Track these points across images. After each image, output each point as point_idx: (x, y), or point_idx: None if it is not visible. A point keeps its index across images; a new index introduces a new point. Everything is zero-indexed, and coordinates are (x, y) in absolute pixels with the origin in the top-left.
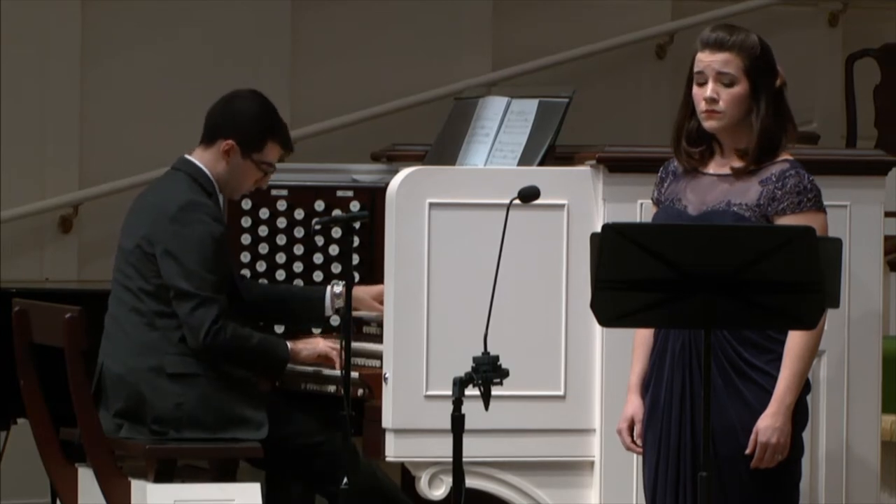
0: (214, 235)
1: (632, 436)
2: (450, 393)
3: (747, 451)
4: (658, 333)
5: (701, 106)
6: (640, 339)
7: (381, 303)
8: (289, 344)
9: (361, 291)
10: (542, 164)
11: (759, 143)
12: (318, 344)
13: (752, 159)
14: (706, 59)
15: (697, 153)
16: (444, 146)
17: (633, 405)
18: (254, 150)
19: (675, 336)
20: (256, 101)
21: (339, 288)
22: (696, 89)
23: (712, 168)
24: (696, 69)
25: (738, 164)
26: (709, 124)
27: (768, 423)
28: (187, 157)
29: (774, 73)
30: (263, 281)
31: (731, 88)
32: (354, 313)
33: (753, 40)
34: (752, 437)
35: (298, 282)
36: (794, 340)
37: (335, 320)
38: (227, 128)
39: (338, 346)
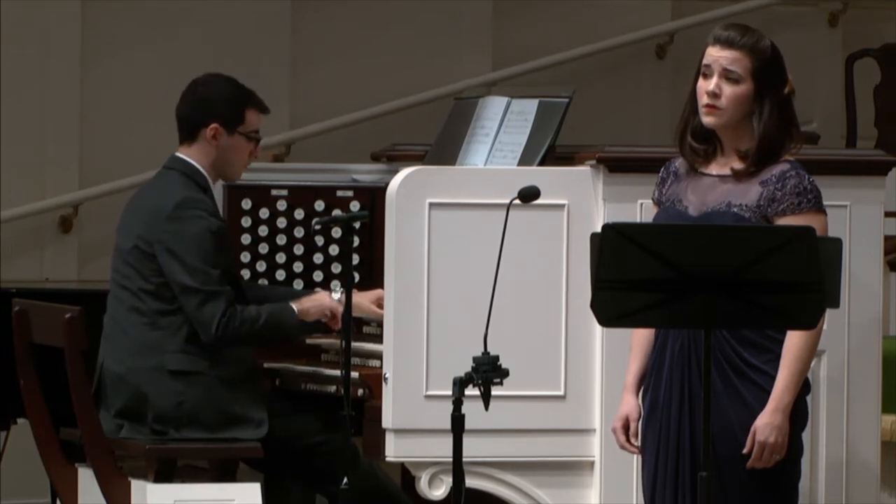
0: (212, 230)
1: (627, 435)
2: (450, 393)
3: (745, 451)
4: (658, 333)
5: (703, 100)
6: (637, 339)
7: (379, 306)
8: (295, 307)
9: (359, 296)
10: (542, 164)
11: (760, 148)
12: (324, 299)
13: (751, 162)
14: (715, 54)
15: (702, 150)
16: (444, 146)
17: (629, 404)
18: (237, 124)
19: (674, 336)
20: (218, 80)
21: (337, 295)
22: (700, 82)
23: (713, 168)
24: (704, 62)
25: (738, 165)
26: (707, 120)
27: (766, 422)
28: (178, 154)
29: (782, 80)
30: (263, 281)
31: (735, 87)
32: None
33: (765, 44)
34: (750, 436)
35: (298, 282)
36: (793, 340)
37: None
38: (206, 115)
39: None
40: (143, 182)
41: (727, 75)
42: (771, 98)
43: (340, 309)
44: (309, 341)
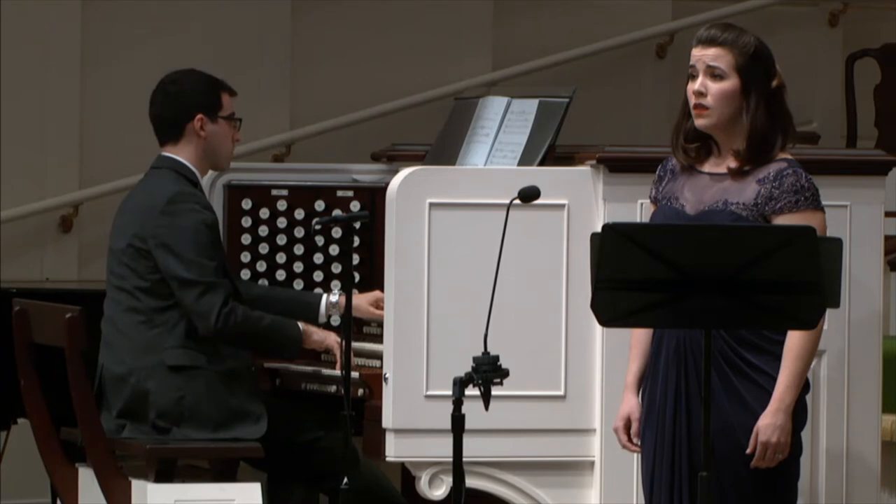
0: (207, 223)
1: (628, 435)
2: (450, 393)
3: (748, 451)
4: (654, 332)
5: (691, 101)
6: (636, 339)
7: (378, 307)
8: (300, 325)
9: (357, 298)
10: (542, 164)
11: (750, 143)
12: (330, 336)
13: (744, 159)
14: (698, 54)
15: (693, 149)
16: (444, 146)
17: (630, 404)
18: (217, 109)
19: (669, 335)
20: (185, 74)
21: (334, 297)
22: (689, 84)
23: (709, 167)
24: (690, 64)
25: (733, 164)
26: (699, 123)
27: (769, 422)
28: (164, 153)
29: (770, 74)
30: (263, 281)
31: (720, 83)
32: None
33: (747, 40)
34: (753, 436)
35: (299, 282)
36: (794, 340)
37: (336, 320)
38: (187, 109)
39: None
40: None
41: (712, 73)
42: (758, 92)
43: (338, 352)
44: None
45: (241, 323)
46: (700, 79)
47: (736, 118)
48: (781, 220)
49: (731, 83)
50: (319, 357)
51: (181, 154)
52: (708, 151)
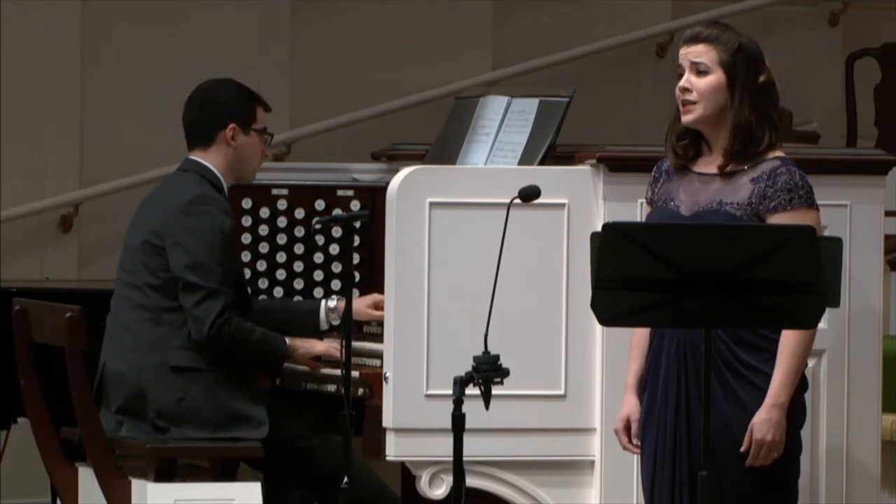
0: (224, 229)
1: (629, 436)
2: (450, 392)
3: (742, 449)
4: (653, 333)
5: (678, 98)
6: (636, 339)
7: (377, 309)
8: (287, 341)
9: (356, 302)
10: (542, 163)
11: (733, 138)
12: (316, 345)
13: (728, 155)
14: (683, 52)
15: (682, 147)
16: (444, 146)
17: (630, 405)
18: (250, 121)
19: (670, 336)
20: (223, 82)
21: (333, 303)
22: (677, 84)
23: (701, 167)
24: (677, 64)
25: (720, 161)
26: (685, 119)
27: (763, 419)
28: (192, 157)
29: (757, 71)
30: (264, 281)
31: (705, 78)
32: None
33: (731, 36)
34: (748, 433)
35: (299, 281)
36: (789, 338)
37: (336, 319)
38: (221, 116)
39: (338, 345)
40: (142, 182)
41: (696, 69)
42: (743, 87)
43: (334, 349)
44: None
45: (233, 333)
46: (685, 76)
47: (723, 114)
48: (776, 219)
49: (715, 77)
50: (320, 357)
51: (209, 160)
52: (699, 151)
